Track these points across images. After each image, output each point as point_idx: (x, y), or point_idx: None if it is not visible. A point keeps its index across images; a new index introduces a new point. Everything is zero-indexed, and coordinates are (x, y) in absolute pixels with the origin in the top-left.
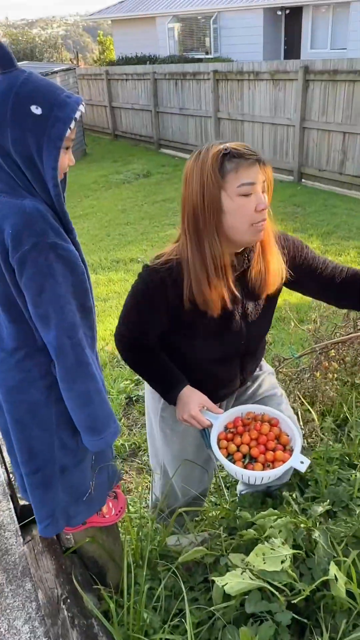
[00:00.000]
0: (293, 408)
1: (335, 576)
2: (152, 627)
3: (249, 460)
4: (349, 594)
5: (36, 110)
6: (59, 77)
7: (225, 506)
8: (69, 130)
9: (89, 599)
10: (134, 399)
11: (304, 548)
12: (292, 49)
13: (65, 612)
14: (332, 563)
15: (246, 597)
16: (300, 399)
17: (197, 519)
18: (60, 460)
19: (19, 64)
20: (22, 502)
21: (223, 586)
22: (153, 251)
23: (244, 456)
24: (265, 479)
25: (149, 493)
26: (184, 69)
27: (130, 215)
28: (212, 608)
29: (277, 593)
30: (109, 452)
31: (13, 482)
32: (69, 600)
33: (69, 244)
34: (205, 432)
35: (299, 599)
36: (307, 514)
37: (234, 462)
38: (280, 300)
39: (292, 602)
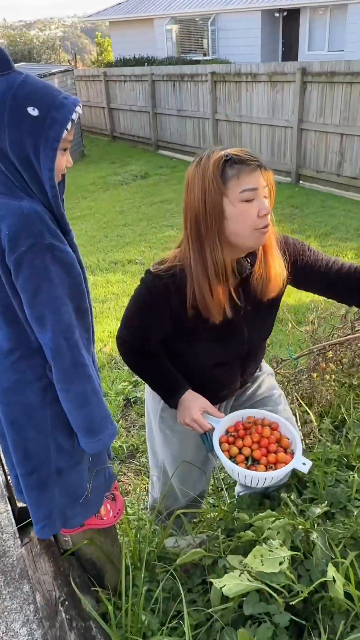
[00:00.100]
0: (291, 409)
1: (333, 578)
2: (150, 629)
3: (252, 463)
4: (347, 595)
5: (33, 112)
6: (56, 79)
7: (223, 508)
8: (65, 132)
9: (87, 601)
10: (132, 400)
11: (302, 549)
12: (290, 51)
13: (63, 615)
14: (330, 564)
15: (244, 598)
16: (298, 400)
17: (195, 520)
18: (56, 462)
19: (17, 65)
20: (20, 504)
21: (221, 588)
22: (151, 252)
23: (247, 459)
24: (268, 480)
25: (147, 495)
26: (182, 71)
27: (128, 216)
28: (210, 610)
29: (275, 595)
30: (105, 454)
31: (10, 484)
32: (67, 603)
33: (65, 246)
34: (206, 435)
35: (297, 600)
36: (305, 515)
37: (236, 464)
38: None
39: (290, 603)
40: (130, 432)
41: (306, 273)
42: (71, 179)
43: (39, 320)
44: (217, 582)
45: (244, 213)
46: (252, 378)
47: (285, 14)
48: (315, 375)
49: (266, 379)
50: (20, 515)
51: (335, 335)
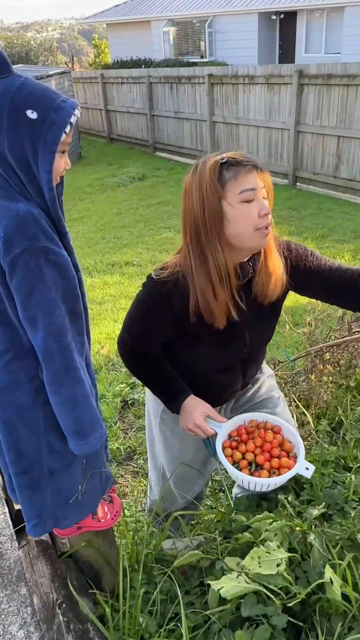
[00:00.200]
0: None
1: (331, 579)
2: (148, 631)
3: (255, 468)
4: (345, 597)
5: (32, 114)
6: (54, 81)
7: (220, 510)
8: (64, 135)
9: (85, 603)
10: (129, 402)
11: (300, 551)
12: (287, 53)
13: (61, 617)
14: (327, 566)
15: (242, 600)
16: (295, 401)
17: (192, 522)
18: (48, 463)
19: (15, 67)
20: (17, 507)
21: (219, 590)
22: (148, 254)
23: (250, 464)
24: (272, 485)
25: (144, 497)
26: (179, 73)
27: (126, 218)
28: (207, 612)
29: (272, 596)
30: (100, 457)
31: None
32: (64, 605)
33: (60, 249)
34: (209, 440)
35: (294, 602)
36: (302, 517)
37: (240, 470)
38: None
39: (288, 605)
40: (127, 434)
41: (309, 279)
42: (68, 181)
43: (31, 321)
44: (214, 584)
45: (245, 214)
46: (253, 380)
47: (282, 16)
48: (312, 376)
49: (266, 380)
50: (18, 518)
51: (333, 337)
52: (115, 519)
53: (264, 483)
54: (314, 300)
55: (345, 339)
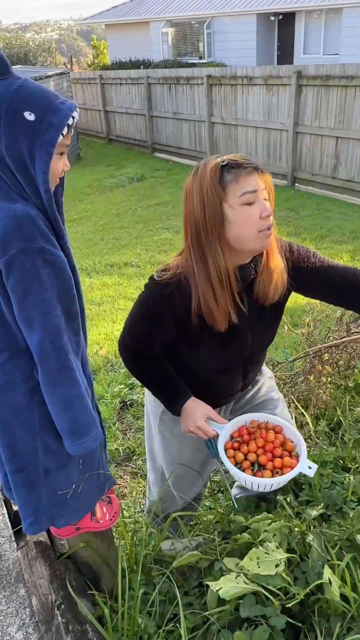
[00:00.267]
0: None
1: (330, 580)
2: (147, 632)
3: (258, 468)
4: (343, 597)
5: (29, 116)
6: (52, 82)
7: (219, 510)
8: (61, 137)
9: (83, 604)
10: (128, 403)
11: (298, 552)
12: (285, 54)
13: (60, 618)
14: (326, 567)
15: (241, 601)
16: (294, 402)
17: (191, 523)
18: (44, 462)
19: (13, 68)
20: (15, 508)
21: (217, 590)
22: (147, 255)
23: (252, 464)
24: (275, 485)
25: (143, 497)
26: (178, 74)
27: (125, 219)
28: (206, 613)
29: (271, 597)
30: (97, 457)
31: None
32: (63, 606)
33: (57, 250)
34: (211, 442)
35: (293, 602)
36: (301, 517)
37: (242, 471)
38: None
39: (287, 606)
40: (126, 434)
41: (311, 280)
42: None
43: (27, 322)
44: (213, 585)
45: (246, 216)
46: (253, 382)
47: (280, 17)
48: (311, 377)
49: (266, 382)
50: (16, 519)
51: (331, 338)
52: (114, 520)
53: (267, 483)
54: (312, 300)
55: (343, 339)
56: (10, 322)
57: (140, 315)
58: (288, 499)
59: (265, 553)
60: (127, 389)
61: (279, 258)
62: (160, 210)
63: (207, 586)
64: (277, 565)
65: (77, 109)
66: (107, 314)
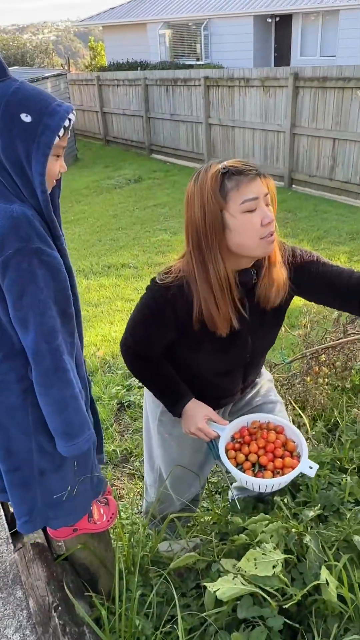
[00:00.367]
0: None
1: (327, 580)
2: (144, 633)
3: (259, 469)
4: (340, 598)
5: (26, 118)
6: (50, 83)
7: (217, 511)
8: (58, 138)
9: (81, 606)
10: (125, 404)
11: (296, 553)
12: (282, 56)
13: (57, 620)
14: (323, 567)
15: (238, 602)
16: (291, 403)
17: (189, 524)
18: (38, 463)
19: (10, 69)
20: (12, 510)
21: (215, 592)
22: (145, 256)
23: (253, 465)
24: (276, 486)
25: (140, 499)
26: (175, 75)
27: (122, 220)
28: (204, 614)
29: (268, 598)
30: (90, 459)
31: None
32: (60, 608)
33: (53, 251)
34: (212, 443)
35: (290, 603)
36: (298, 518)
37: (243, 472)
38: None
39: (284, 607)
40: (124, 436)
41: (315, 284)
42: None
43: (22, 322)
44: (210, 586)
45: (247, 224)
46: (252, 384)
47: (277, 19)
48: (308, 378)
49: (265, 384)
50: (13, 521)
51: (328, 339)
52: (111, 522)
53: (268, 484)
54: (309, 302)
55: (340, 340)
56: (4, 323)
57: (142, 317)
58: (285, 500)
59: (263, 554)
60: (125, 390)
61: (280, 262)
62: (157, 212)
63: (205, 587)
64: (274, 566)
65: (74, 111)
66: (104, 315)
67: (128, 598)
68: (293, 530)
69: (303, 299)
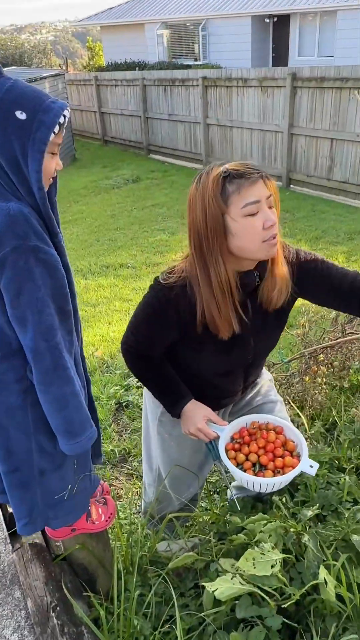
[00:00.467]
0: None
1: (325, 580)
2: (143, 633)
3: (259, 468)
4: (339, 597)
5: (21, 115)
6: (47, 83)
7: (215, 511)
8: (53, 135)
9: (79, 606)
10: (123, 404)
11: (294, 552)
12: (280, 56)
13: (55, 620)
14: (321, 567)
15: (236, 602)
16: (289, 403)
17: (187, 524)
18: (38, 463)
19: (8, 69)
20: (10, 510)
21: (213, 591)
22: (143, 256)
23: (254, 465)
24: (277, 485)
25: (139, 499)
26: (173, 75)
27: (120, 220)
28: (202, 614)
29: (267, 598)
30: (89, 457)
31: None
32: (58, 608)
33: (50, 248)
34: (211, 444)
35: (289, 603)
36: (296, 518)
37: (244, 472)
38: None
39: (283, 606)
40: (122, 436)
41: (318, 287)
42: (63, 183)
43: (20, 320)
44: (209, 586)
45: (249, 227)
46: (253, 385)
47: (275, 19)
48: (306, 378)
49: (265, 384)
50: (11, 521)
51: (326, 339)
52: (109, 521)
53: (269, 483)
54: (307, 302)
55: (338, 340)
56: (2, 323)
57: (144, 316)
58: (284, 500)
59: (261, 554)
60: (123, 390)
61: (283, 264)
62: (155, 212)
63: (203, 587)
64: (272, 566)
65: (68, 108)
66: (102, 315)
67: (126, 598)
68: (291, 529)
69: (300, 299)
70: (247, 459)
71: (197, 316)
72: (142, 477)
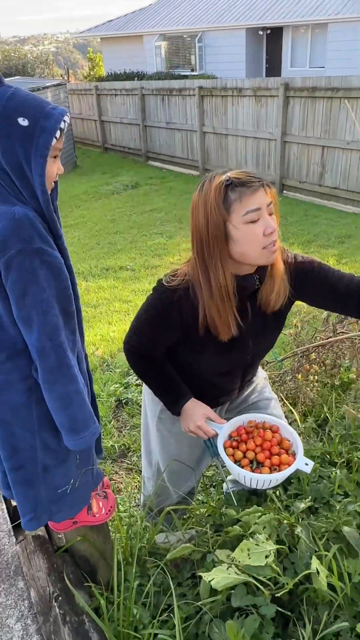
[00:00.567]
0: None
1: (317, 570)
2: (142, 622)
3: (256, 465)
4: (330, 586)
5: (23, 122)
6: (50, 92)
7: (211, 504)
8: (54, 140)
9: (80, 596)
10: (123, 401)
11: (287, 543)
12: (273, 67)
13: (57, 610)
14: (314, 557)
15: (232, 591)
16: (282, 400)
17: (184, 517)
18: (42, 460)
19: (12, 79)
20: (14, 503)
21: (210, 581)
22: (142, 259)
23: (251, 462)
24: (274, 481)
25: (138, 492)
26: (171, 85)
27: (120, 224)
28: (199, 603)
29: (261, 587)
30: (92, 452)
31: None
32: (60, 598)
33: (54, 251)
34: (210, 441)
35: (282, 592)
36: (289, 510)
37: (242, 468)
38: None
39: (276, 595)
40: (121, 432)
41: (315, 289)
42: (64, 189)
43: (25, 321)
44: (206, 576)
45: (250, 234)
46: (249, 383)
47: (269, 32)
48: (299, 376)
49: (260, 382)
50: (15, 514)
51: (318, 338)
52: (109, 514)
53: (266, 479)
54: (300, 302)
55: (330, 339)
56: (7, 323)
57: (148, 318)
58: (277, 493)
59: (256, 545)
60: (123, 388)
61: (281, 268)
62: (153, 216)
63: (200, 577)
64: (267, 557)
65: (68, 114)
66: (103, 316)
67: (126, 588)
68: (285, 521)
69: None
70: (244, 456)
71: (199, 318)
72: (141, 471)
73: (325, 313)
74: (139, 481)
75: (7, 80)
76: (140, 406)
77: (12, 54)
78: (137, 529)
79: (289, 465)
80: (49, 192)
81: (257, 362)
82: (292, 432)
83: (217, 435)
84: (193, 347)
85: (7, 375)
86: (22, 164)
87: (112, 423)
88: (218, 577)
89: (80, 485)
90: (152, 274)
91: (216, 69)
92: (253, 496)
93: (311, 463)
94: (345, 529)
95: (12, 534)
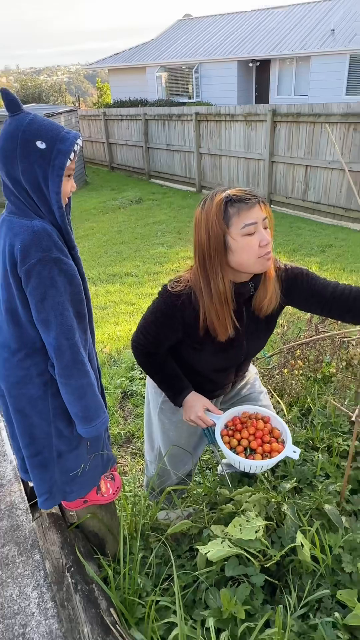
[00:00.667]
0: None
1: (302, 543)
2: (145, 590)
3: (250, 452)
4: (314, 558)
5: (41, 145)
6: (63, 117)
7: (207, 485)
8: (69, 161)
9: (90, 567)
10: (128, 393)
11: (275, 519)
12: (262, 95)
13: (69, 579)
14: (298, 532)
15: (226, 562)
16: (271, 392)
17: (183, 496)
18: (57, 446)
19: (28, 106)
20: (30, 484)
21: (206, 554)
22: (145, 266)
23: (245, 449)
24: (265, 467)
25: (142, 474)
26: (171, 112)
27: (125, 235)
28: (196, 573)
29: (252, 559)
30: (102, 440)
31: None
32: (72, 569)
33: (69, 260)
34: (208, 430)
35: (270, 563)
36: (277, 490)
37: (237, 454)
38: None
39: (265, 566)
40: (127, 420)
41: (304, 295)
42: (76, 204)
43: (44, 322)
44: (202, 549)
45: (247, 246)
46: (242, 378)
47: (258, 64)
48: (285, 371)
49: (251, 377)
50: (32, 494)
51: (302, 337)
52: (116, 494)
53: (259, 465)
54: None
55: (313, 338)
56: (25, 324)
57: (154, 319)
58: (266, 474)
59: (247, 521)
60: (128, 381)
61: (273, 277)
62: (155, 228)
63: (197, 550)
64: (256, 531)
65: (81, 137)
66: (110, 316)
67: (131, 560)
68: (273, 500)
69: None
70: (239, 444)
71: (200, 321)
72: (144, 455)
73: (308, 314)
74: (142, 464)
75: (24, 106)
76: (144, 397)
77: (29, 84)
78: (141, 507)
79: (279, 452)
80: (64, 207)
81: (250, 360)
82: (281, 422)
83: (215, 424)
84: (193, 346)
85: (27, 371)
86: (40, 182)
87: (118, 412)
88: (213, 549)
89: (91, 468)
90: (154, 280)
91: (211, 96)
92: (244, 477)
93: (298, 450)
94: (327, 506)
95: (29, 511)
